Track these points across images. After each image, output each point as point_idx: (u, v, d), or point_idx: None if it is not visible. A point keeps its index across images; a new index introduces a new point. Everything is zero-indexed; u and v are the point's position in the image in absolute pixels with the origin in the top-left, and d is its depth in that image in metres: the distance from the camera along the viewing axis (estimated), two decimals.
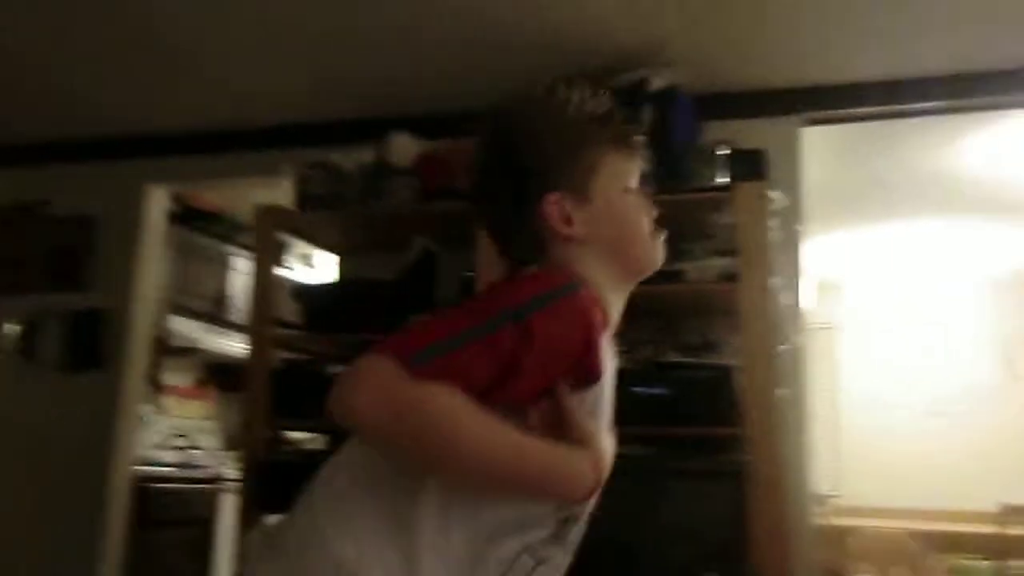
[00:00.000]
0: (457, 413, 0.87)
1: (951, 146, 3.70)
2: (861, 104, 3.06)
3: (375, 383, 0.86)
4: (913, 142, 3.68)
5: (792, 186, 2.92)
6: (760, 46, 2.82)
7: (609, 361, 1.06)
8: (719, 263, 2.55)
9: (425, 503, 0.94)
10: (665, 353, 2.61)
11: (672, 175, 2.64)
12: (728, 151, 2.68)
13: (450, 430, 0.87)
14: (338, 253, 3.46)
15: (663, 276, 2.63)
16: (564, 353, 0.96)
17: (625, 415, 2.47)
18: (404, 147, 2.88)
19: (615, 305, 1.13)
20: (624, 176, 1.14)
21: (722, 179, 2.64)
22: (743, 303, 2.45)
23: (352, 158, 2.96)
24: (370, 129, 3.11)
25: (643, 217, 1.14)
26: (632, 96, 2.78)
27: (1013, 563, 4.43)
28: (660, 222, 1.16)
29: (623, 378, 2.53)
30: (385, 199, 2.84)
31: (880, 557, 4.92)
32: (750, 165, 2.64)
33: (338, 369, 2.81)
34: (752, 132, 2.86)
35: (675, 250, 2.70)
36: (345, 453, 1.02)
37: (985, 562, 4.55)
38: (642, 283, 2.74)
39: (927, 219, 4.80)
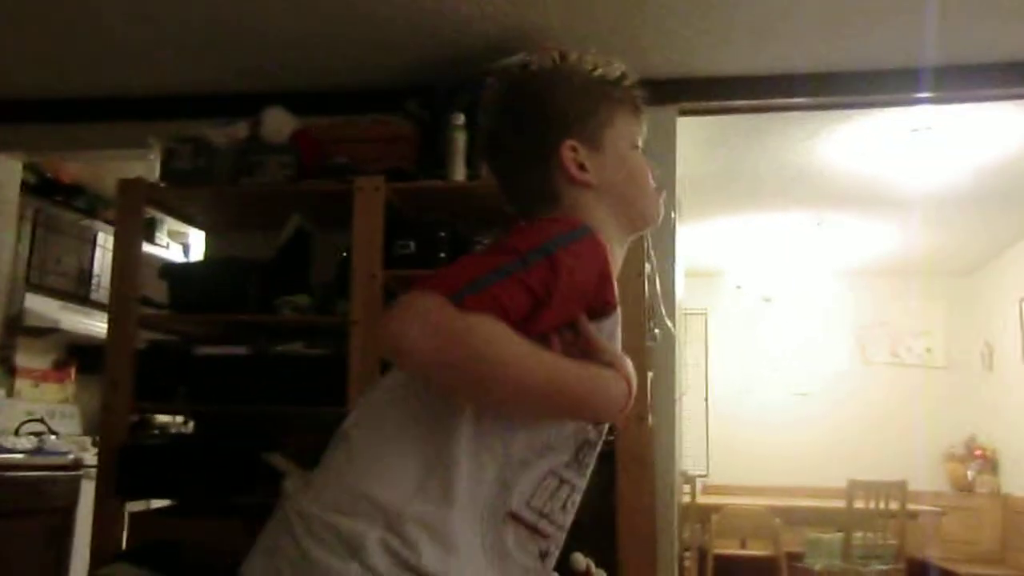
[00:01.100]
0: (501, 339, 0.92)
1: (814, 141, 3.89)
2: (732, 97, 3.17)
3: (424, 315, 0.90)
4: (780, 136, 3.84)
5: (666, 174, 2.99)
6: (637, 35, 2.88)
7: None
8: None
9: (461, 435, 0.99)
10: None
11: None
12: None
13: (496, 355, 0.92)
14: (207, 230, 3.34)
15: None
16: (585, 285, 1.02)
17: None
18: (279, 123, 2.80)
19: (617, 256, 1.17)
20: (633, 135, 1.20)
21: None
22: (617, 288, 2.50)
23: (224, 133, 2.86)
24: (243, 103, 3.02)
25: (649, 174, 1.21)
26: None
27: (858, 534, 4.73)
28: (658, 183, 1.22)
29: None
30: (258, 176, 2.75)
31: (743, 533, 5.17)
32: None
33: (207, 350, 2.73)
34: None
35: None
36: (372, 408, 1.07)
37: (836, 534, 4.84)
38: None
39: (793, 210, 5.03)
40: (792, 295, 6.60)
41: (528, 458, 1.04)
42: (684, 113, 3.17)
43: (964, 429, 6.26)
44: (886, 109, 3.48)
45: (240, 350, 2.72)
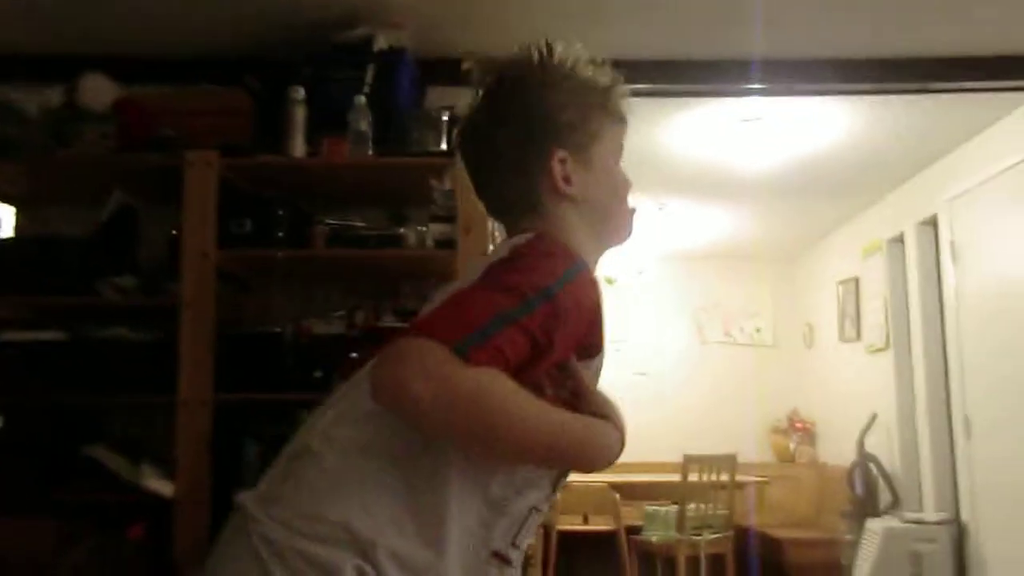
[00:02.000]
0: (509, 398, 0.90)
1: (655, 128, 4.00)
2: None
3: (427, 369, 0.86)
4: None
5: None
6: (487, 14, 2.85)
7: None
8: (438, 229, 2.57)
9: (449, 478, 0.97)
10: (383, 318, 2.59)
11: (393, 138, 2.61)
12: (450, 117, 2.69)
13: (505, 415, 0.90)
14: (18, 205, 3.06)
15: (383, 240, 2.64)
16: (580, 327, 0.99)
17: (322, 381, 2.44)
18: (99, 89, 2.59)
19: (594, 259, 1.16)
20: (619, 149, 1.19)
21: (443, 145, 2.65)
22: (460, 269, 2.48)
23: (36, 98, 2.62)
24: (59, 67, 2.77)
25: (627, 192, 1.20)
26: (355, 54, 2.70)
27: (691, 506, 4.96)
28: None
29: (341, 343, 2.51)
30: (76, 146, 2.54)
31: (585, 508, 5.31)
32: None
33: (14, 336, 2.51)
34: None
35: (395, 215, 2.70)
36: (346, 429, 0.99)
37: (672, 507, 5.06)
38: (362, 247, 2.68)
39: (636, 195, 5.16)
40: (634, 277, 6.82)
41: (508, 496, 1.01)
42: None
43: (788, 404, 6.69)
44: (720, 99, 3.62)
45: (56, 335, 2.51)
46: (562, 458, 1.00)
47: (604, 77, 1.15)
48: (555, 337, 0.94)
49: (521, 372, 0.92)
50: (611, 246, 1.20)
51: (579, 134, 1.13)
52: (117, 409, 2.60)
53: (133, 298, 2.56)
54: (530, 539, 1.07)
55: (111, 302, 2.55)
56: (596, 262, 1.16)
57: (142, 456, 2.46)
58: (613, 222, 1.18)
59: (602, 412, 1.00)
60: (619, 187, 1.19)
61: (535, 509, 1.05)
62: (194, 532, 2.32)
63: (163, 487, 2.34)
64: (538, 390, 0.96)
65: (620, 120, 1.18)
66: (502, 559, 1.03)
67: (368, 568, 0.91)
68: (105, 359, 2.51)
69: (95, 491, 2.38)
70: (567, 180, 1.12)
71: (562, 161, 1.11)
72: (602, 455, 0.99)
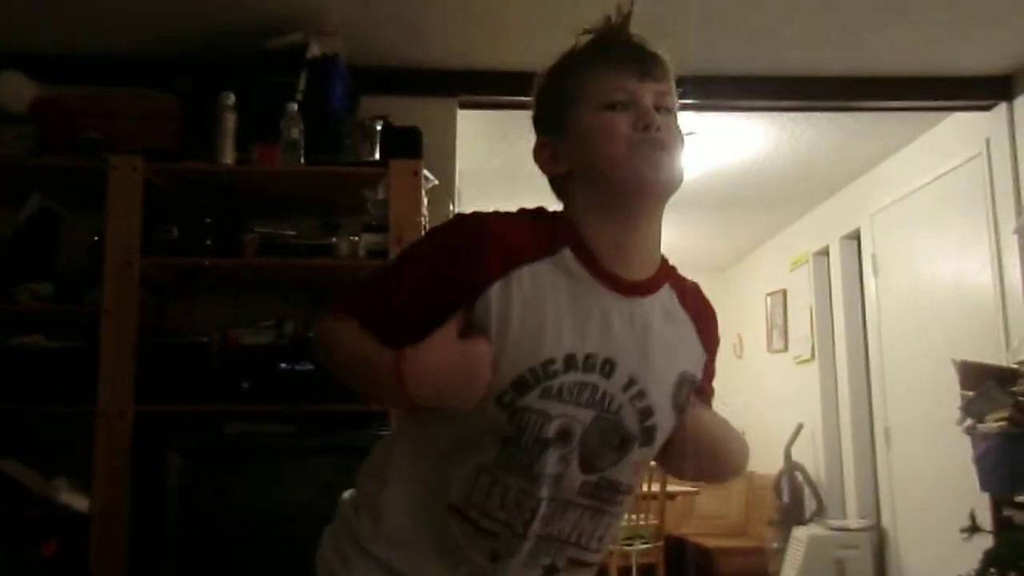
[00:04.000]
0: (333, 333, 1.10)
1: None
2: (511, 92, 3.21)
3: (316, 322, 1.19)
4: None
5: (445, 165, 3.00)
6: (422, 25, 2.84)
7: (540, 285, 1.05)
8: (371, 239, 2.55)
9: (397, 435, 1.16)
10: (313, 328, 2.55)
11: (326, 147, 2.58)
12: (383, 127, 2.68)
13: (325, 344, 1.12)
14: None
15: (314, 249, 2.61)
16: (439, 269, 1.08)
17: (271, 392, 2.40)
18: (16, 89, 2.51)
19: (611, 233, 1.07)
20: (604, 93, 1.08)
21: (376, 155, 2.63)
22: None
23: None
24: None
25: (616, 131, 1.05)
26: (287, 60, 2.66)
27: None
28: (649, 126, 1.05)
29: (269, 354, 2.47)
30: None
31: None
32: (404, 142, 2.66)
33: None
34: (409, 110, 2.87)
35: (327, 225, 2.67)
36: None
37: None
38: (292, 256, 2.64)
39: None
40: None
41: (450, 453, 1.06)
42: (464, 106, 3.18)
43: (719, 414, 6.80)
44: None
45: None
46: (356, 384, 1.10)
47: (592, 31, 1.14)
48: (397, 284, 1.08)
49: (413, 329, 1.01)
50: (626, 197, 1.07)
51: (556, 110, 1.11)
52: (32, 420, 2.50)
53: (51, 305, 2.48)
54: (501, 510, 1.04)
55: (27, 308, 2.46)
56: (624, 221, 1.08)
57: (58, 469, 2.37)
58: (605, 171, 1.06)
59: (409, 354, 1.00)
60: (598, 135, 1.06)
61: (484, 471, 1.04)
62: (111, 548, 2.25)
63: (78, 501, 2.26)
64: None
65: (604, 61, 1.10)
66: (462, 516, 1.05)
67: (351, 510, 1.14)
68: (20, 368, 2.42)
69: (6, 505, 2.30)
70: (554, 159, 1.11)
71: (543, 145, 1.13)
72: (371, 387, 1.10)
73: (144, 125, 2.58)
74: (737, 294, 6.87)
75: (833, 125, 3.86)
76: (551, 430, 1.02)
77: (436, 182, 2.78)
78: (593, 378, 1.04)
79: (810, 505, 5.15)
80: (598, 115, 1.07)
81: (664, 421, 1.09)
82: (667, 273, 1.15)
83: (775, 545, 5.07)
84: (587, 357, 1.04)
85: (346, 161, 2.59)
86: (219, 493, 2.29)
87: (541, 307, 1.03)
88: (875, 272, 4.53)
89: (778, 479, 5.31)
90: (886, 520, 4.48)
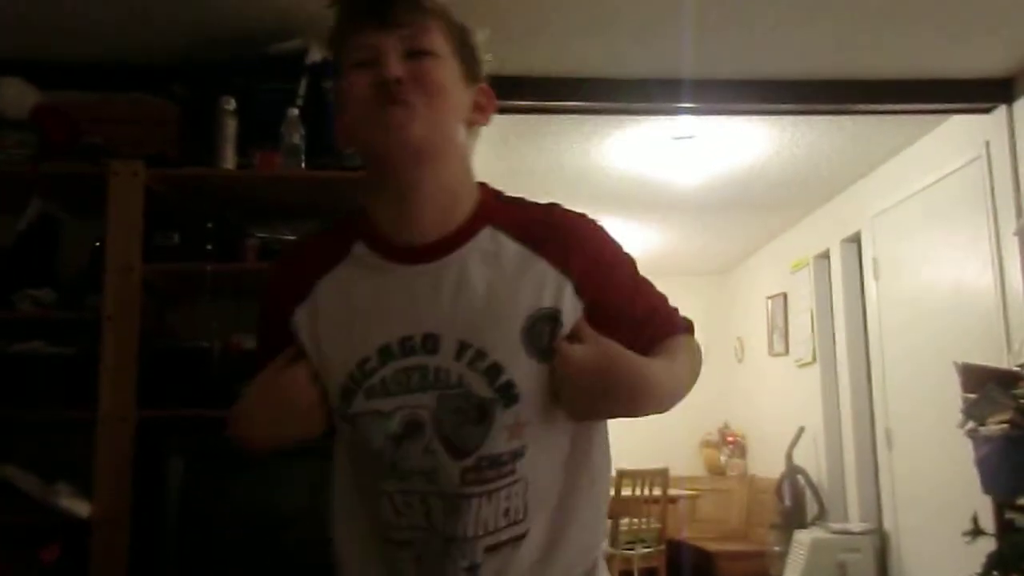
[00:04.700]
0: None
1: (590, 144, 4.05)
2: (511, 97, 3.22)
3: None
4: (558, 138, 3.97)
5: None
6: None
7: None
8: None
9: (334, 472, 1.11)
10: None
11: (325, 151, 2.58)
12: None
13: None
14: None
15: None
16: (263, 321, 1.16)
17: None
18: (17, 95, 2.51)
19: (391, 205, 1.01)
20: (349, 53, 0.99)
21: None
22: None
23: None
24: None
25: (355, 92, 0.97)
26: (288, 66, 2.67)
27: (624, 520, 4.99)
28: (386, 86, 0.95)
29: None
30: None
31: None
32: None
33: None
34: None
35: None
36: None
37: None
38: None
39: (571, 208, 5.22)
40: None
41: (361, 482, 1.04)
42: None
43: (719, 417, 6.80)
44: (653, 117, 3.68)
45: None
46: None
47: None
48: (257, 338, 1.13)
49: None
50: (382, 161, 0.99)
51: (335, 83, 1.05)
52: (33, 426, 2.50)
53: (52, 311, 2.48)
54: (425, 519, 0.99)
55: (27, 314, 2.46)
56: (408, 190, 1.00)
57: (58, 475, 2.37)
58: (354, 138, 1.00)
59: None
60: (345, 101, 0.99)
61: (385, 494, 1.00)
62: (112, 553, 2.24)
63: (79, 507, 2.26)
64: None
65: (338, 32, 1.01)
66: (391, 542, 1.02)
67: None
68: (21, 374, 2.42)
69: (6, 511, 2.29)
70: (342, 135, 1.03)
71: (336, 121, 1.04)
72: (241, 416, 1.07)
73: (145, 131, 2.58)
74: (737, 297, 6.88)
75: (832, 128, 3.86)
76: (394, 425, 0.98)
77: None
78: (417, 359, 0.98)
79: (812, 508, 5.15)
80: (347, 78, 0.98)
81: (520, 372, 0.97)
82: (487, 215, 1.03)
83: (777, 549, 5.06)
84: (403, 341, 0.98)
85: (347, 166, 2.59)
86: (220, 496, 2.28)
87: (345, 311, 1.01)
88: (876, 275, 4.54)
89: (780, 483, 5.31)
90: (888, 523, 4.48)
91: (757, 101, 3.32)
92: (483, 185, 1.08)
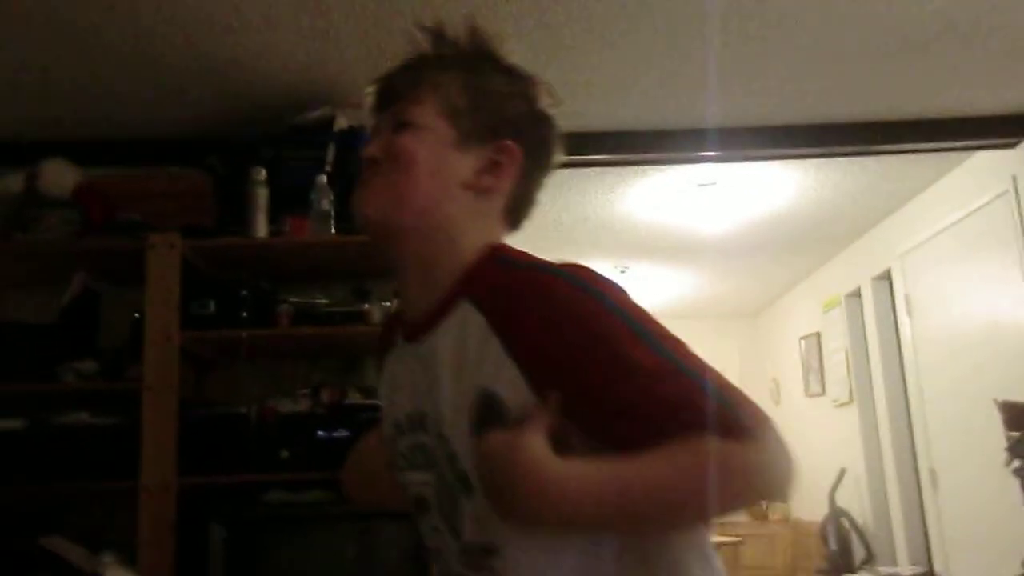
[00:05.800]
0: None
1: (613, 195, 4.09)
2: None
3: None
4: (581, 190, 4.01)
5: None
6: None
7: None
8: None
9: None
10: (348, 395, 2.58)
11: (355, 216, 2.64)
12: None
13: None
14: None
15: (347, 317, 2.65)
16: None
17: (309, 460, 2.43)
18: (59, 174, 2.60)
19: (399, 284, 1.02)
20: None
21: None
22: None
23: None
24: (19, 153, 2.79)
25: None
26: (315, 134, 2.74)
27: None
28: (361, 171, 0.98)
29: (307, 422, 2.50)
30: (35, 232, 2.54)
31: None
32: None
33: None
34: None
35: (358, 291, 2.72)
36: None
37: None
38: (326, 324, 2.67)
39: (597, 259, 5.25)
40: None
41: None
42: None
43: None
44: (676, 166, 3.72)
45: (15, 424, 2.47)
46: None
47: None
48: None
49: None
50: (377, 243, 1.00)
51: None
52: (78, 497, 2.54)
53: (95, 383, 2.54)
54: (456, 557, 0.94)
55: (71, 387, 2.53)
56: (400, 269, 0.99)
57: (103, 545, 2.40)
58: None
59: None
60: None
61: (424, 545, 1.04)
62: None
63: None
64: None
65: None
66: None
67: None
68: (66, 446, 2.47)
69: None
70: None
71: None
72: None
73: (180, 203, 2.67)
74: (771, 339, 6.82)
75: (856, 168, 3.87)
76: (411, 500, 1.01)
77: None
78: (418, 437, 0.97)
79: (859, 552, 5.04)
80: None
81: (472, 461, 0.87)
82: (467, 285, 0.92)
83: None
84: (408, 418, 0.99)
85: None
86: (262, 561, 2.31)
87: (386, 386, 1.08)
88: (909, 312, 4.49)
89: (823, 526, 5.21)
90: (938, 565, 4.36)
91: (780, 146, 3.34)
92: (493, 247, 0.96)
